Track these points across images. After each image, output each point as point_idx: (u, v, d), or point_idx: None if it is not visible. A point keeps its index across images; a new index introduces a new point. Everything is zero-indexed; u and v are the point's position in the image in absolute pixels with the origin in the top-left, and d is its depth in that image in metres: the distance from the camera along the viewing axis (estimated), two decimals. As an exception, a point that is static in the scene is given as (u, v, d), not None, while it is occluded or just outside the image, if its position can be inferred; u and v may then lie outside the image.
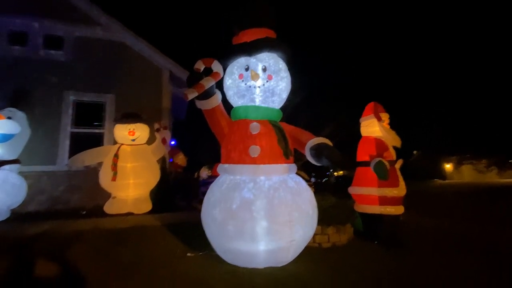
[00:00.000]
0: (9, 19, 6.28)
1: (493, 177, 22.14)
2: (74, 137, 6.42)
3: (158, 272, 2.60)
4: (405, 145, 4.00)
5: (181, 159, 9.45)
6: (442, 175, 29.64)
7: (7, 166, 4.89)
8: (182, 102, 8.47)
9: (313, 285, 2.38)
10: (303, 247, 2.69)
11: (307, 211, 2.59)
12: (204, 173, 9.82)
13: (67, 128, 6.31)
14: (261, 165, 2.57)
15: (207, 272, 2.57)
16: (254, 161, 2.58)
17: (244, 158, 2.61)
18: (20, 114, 5.21)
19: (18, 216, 5.04)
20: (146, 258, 2.92)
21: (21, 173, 5.20)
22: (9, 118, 4.93)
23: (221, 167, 2.80)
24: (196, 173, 10.49)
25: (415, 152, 30.67)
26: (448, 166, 30.13)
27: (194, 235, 3.37)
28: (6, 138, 4.76)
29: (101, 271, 2.61)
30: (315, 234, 3.30)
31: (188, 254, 2.96)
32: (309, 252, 2.97)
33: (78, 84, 6.50)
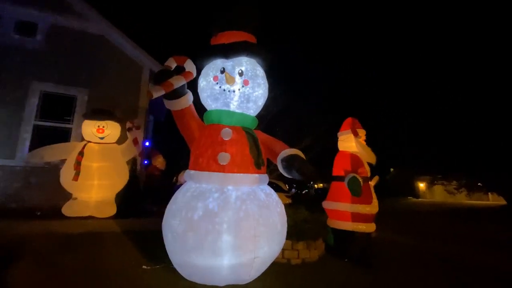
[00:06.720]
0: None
1: (462, 198, 23.18)
2: (39, 130, 5.94)
3: (107, 285, 2.34)
4: (381, 163, 4.00)
5: (160, 162, 9.04)
6: (416, 193, 30.73)
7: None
8: (161, 103, 8.16)
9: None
10: (268, 265, 2.52)
11: (275, 226, 2.44)
12: (183, 177, 9.45)
13: (31, 120, 5.84)
14: (229, 174, 2.40)
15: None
16: (222, 169, 2.41)
17: (211, 165, 2.44)
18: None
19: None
20: (97, 268, 2.65)
21: (-30, 166, 4.72)
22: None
23: (187, 173, 2.61)
24: (174, 178, 10.05)
25: (392, 169, 31.68)
26: (421, 185, 31.28)
27: (156, 245, 3.11)
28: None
29: (43, 281, 2.32)
30: (284, 250, 3.15)
31: (144, 267, 2.70)
32: (277, 269, 2.82)
33: (49, 74, 6.08)
